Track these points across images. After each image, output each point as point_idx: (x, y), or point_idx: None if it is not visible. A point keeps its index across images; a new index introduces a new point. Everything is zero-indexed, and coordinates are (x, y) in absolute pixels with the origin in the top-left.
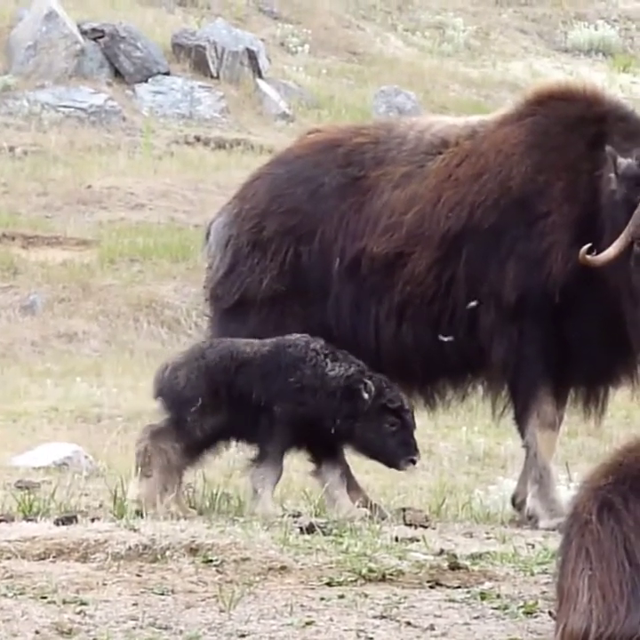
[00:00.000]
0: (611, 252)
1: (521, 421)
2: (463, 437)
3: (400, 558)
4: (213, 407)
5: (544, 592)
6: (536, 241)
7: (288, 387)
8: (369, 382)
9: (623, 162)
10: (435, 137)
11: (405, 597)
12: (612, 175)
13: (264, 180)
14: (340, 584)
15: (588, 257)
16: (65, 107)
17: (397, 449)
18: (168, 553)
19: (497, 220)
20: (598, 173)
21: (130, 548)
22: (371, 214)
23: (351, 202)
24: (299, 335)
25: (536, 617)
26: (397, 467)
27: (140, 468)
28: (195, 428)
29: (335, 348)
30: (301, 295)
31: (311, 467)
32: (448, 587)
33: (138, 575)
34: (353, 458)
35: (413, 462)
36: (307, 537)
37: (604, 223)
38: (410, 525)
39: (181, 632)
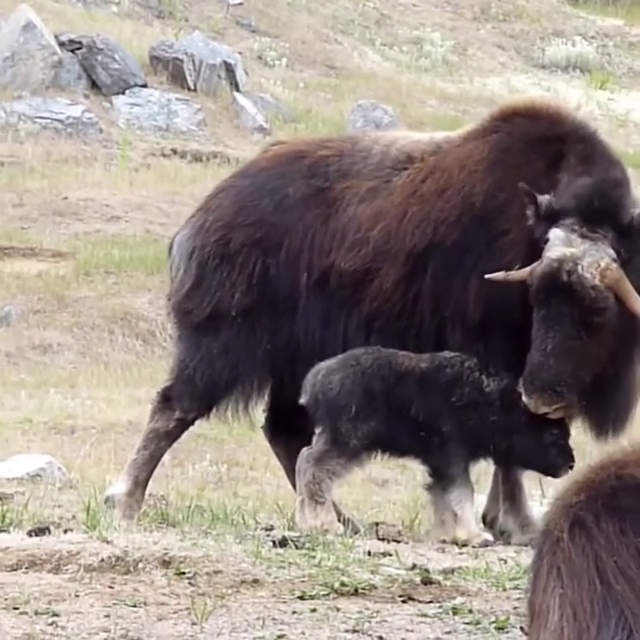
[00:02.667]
0: (512, 275)
1: None
2: None
3: (372, 572)
4: (368, 415)
5: (516, 607)
6: (497, 258)
7: (450, 406)
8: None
9: (542, 200)
10: (400, 152)
11: (377, 612)
12: (528, 211)
13: (228, 193)
14: (312, 598)
15: (491, 275)
16: (42, 118)
17: (558, 458)
18: (140, 565)
19: (460, 236)
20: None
21: (102, 560)
22: (337, 228)
23: (316, 213)
24: (451, 354)
25: (508, 632)
26: (557, 475)
27: (311, 497)
28: (351, 436)
29: (485, 364)
30: (270, 307)
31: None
32: (420, 601)
33: (110, 587)
34: None
35: (571, 468)
36: (279, 550)
37: None
38: (382, 540)
39: None
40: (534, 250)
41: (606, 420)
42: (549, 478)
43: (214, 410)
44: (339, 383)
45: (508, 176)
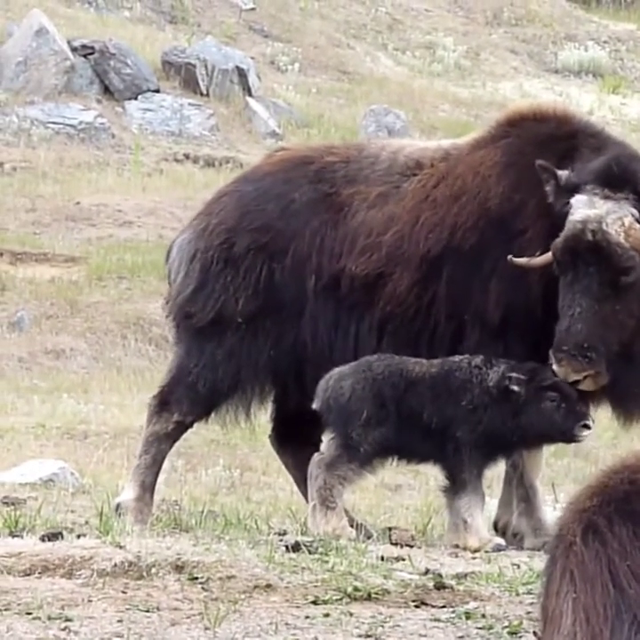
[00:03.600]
0: (534, 260)
1: None
2: None
3: (385, 577)
4: (379, 421)
5: (529, 612)
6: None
7: (461, 410)
8: (514, 374)
9: (562, 174)
10: (409, 159)
11: (390, 617)
12: (547, 188)
13: (231, 197)
14: (325, 603)
15: (514, 259)
16: (54, 123)
17: (567, 421)
18: (153, 570)
19: (477, 240)
20: None
21: (115, 565)
22: (347, 233)
23: (324, 218)
24: (460, 357)
25: (521, 637)
26: (575, 438)
27: (322, 503)
28: (361, 442)
29: (489, 356)
30: (275, 313)
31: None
32: (433, 606)
33: (123, 592)
34: None
35: (587, 427)
36: (292, 555)
37: None
38: (395, 545)
39: None
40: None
41: (633, 401)
42: (561, 482)
43: (213, 414)
44: (350, 389)
45: (523, 177)
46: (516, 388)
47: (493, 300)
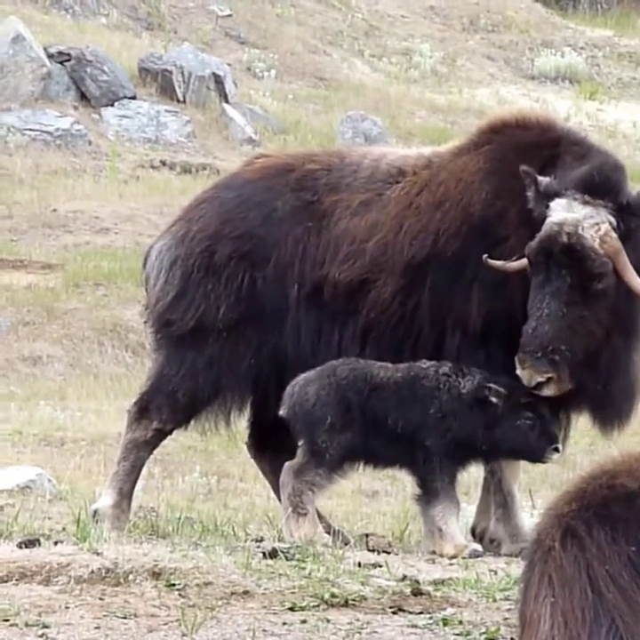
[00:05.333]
0: (511, 263)
1: None
2: None
3: (363, 584)
4: (344, 426)
5: (506, 618)
6: None
7: (430, 418)
8: (494, 386)
9: (543, 180)
10: (391, 166)
11: (368, 623)
12: (529, 193)
13: (212, 204)
14: (302, 609)
15: (489, 260)
16: (31, 130)
17: (539, 442)
18: (131, 577)
19: (460, 246)
20: None
21: (92, 572)
22: (329, 241)
23: (306, 226)
24: (428, 363)
25: None
26: (543, 460)
27: (294, 509)
28: (327, 447)
29: (459, 365)
30: (256, 321)
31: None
32: (410, 612)
33: (100, 599)
34: None
35: (557, 450)
36: (269, 562)
37: None
38: (373, 551)
39: None
40: None
41: (609, 411)
42: (538, 488)
43: (193, 422)
44: (315, 395)
45: (505, 185)
46: (494, 399)
47: (475, 307)
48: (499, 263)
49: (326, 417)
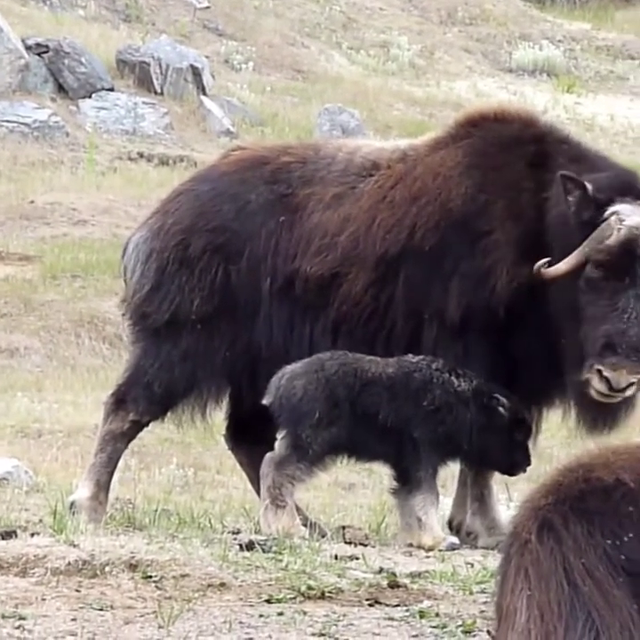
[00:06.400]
0: (561, 267)
1: None
2: None
3: (339, 576)
4: (331, 421)
5: (483, 611)
6: (479, 259)
7: (422, 411)
8: (500, 397)
9: (590, 185)
10: (365, 159)
11: (344, 615)
12: (571, 198)
13: (187, 196)
14: (279, 601)
15: (543, 269)
16: (8, 122)
17: (521, 458)
18: (107, 568)
19: (438, 240)
20: (545, 194)
21: (69, 564)
22: (302, 234)
23: (280, 220)
24: (418, 357)
25: (474, 636)
26: (514, 474)
27: (273, 501)
28: (311, 442)
29: (452, 364)
30: (230, 314)
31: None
32: (387, 605)
33: (77, 590)
34: None
35: (525, 471)
36: (246, 554)
37: (552, 243)
38: (349, 543)
39: None
40: (522, 248)
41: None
42: (515, 481)
43: (169, 413)
44: (302, 389)
45: (488, 179)
46: (502, 410)
47: (454, 300)
48: (552, 271)
49: (313, 412)
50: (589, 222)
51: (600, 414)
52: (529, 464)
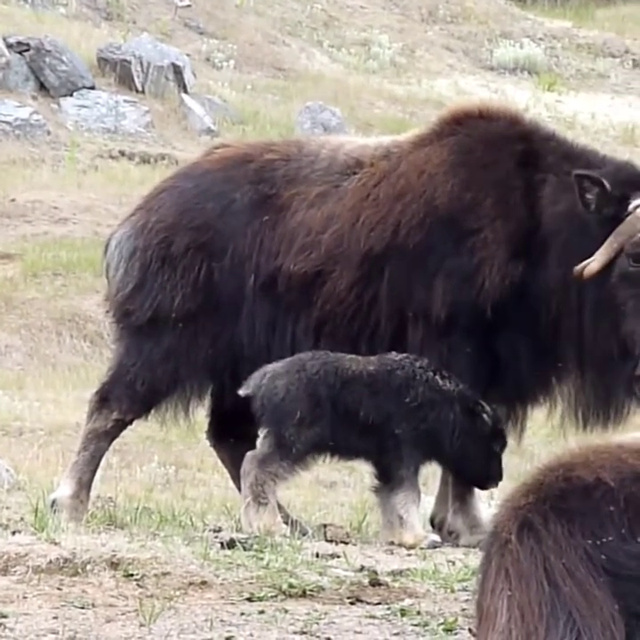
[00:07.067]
0: (594, 265)
1: None
2: None
3: (321, 574)
4: (313, 420)
5: (464, 609)
6: (466, 257)
7: (404, 407)
8: (485, 405)
9: (606, 182)
10: (349, 157)
11: (326, 613)
12: (590, 195)
13: (171, 193)
14: (260, 599)
15: (584, 271)
16: None
17: (492, 471)
18: (89, 567)
19: (423, 238)
20: (538, 194)
21: (50, 562)
22: (285, 233)
23: (264, 219)
24: (401, 355)
25: (456, 634)
26: (486, 487)
27: (255, 499)
28: (294, 441)
29: (436, 365)
30: (213, 312)
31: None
32: (368, 603)
33: (58, 588)
34: None
35: (497, 485)
36: (227, 552)
37: (549, 241)
38: (331, 541)
39: None
40: (512, 247)
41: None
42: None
43: (153, 411)
44: (284, 389)
45: (475, 176)
46: (486, 417)
47: (439, 299)
48: (586, 270)
49: (296, 412)
50: (613, 218)
51: None
52: (501, 479)
